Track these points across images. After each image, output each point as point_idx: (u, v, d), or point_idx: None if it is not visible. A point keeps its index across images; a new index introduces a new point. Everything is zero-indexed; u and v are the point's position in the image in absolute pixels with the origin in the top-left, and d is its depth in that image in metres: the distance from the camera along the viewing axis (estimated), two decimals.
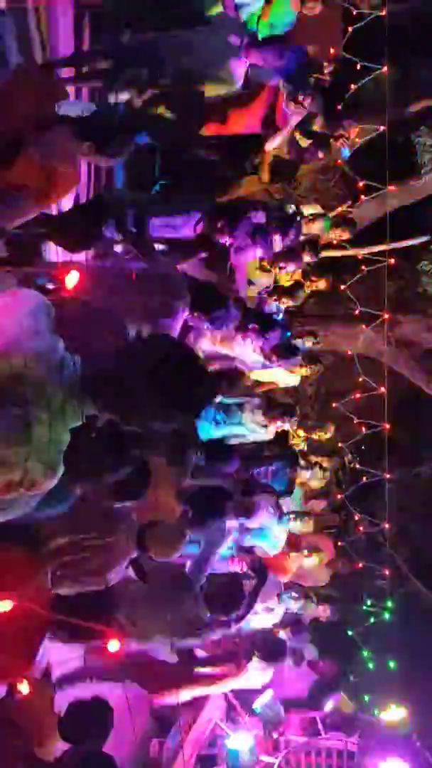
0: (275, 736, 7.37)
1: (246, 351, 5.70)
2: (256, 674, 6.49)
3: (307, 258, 6.54)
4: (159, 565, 3.93)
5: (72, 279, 3.07)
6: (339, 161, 7.73)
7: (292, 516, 6.44)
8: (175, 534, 3.92)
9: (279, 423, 6.33)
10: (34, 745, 3.21)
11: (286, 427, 6.50)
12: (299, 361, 6.27)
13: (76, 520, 3.22)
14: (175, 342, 2.96)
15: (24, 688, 3.12)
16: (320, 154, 6.45)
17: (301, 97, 5.59)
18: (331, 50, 6.84)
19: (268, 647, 5.86)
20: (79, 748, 3.14)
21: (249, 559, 5.82)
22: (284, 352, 5.69)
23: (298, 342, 6.61)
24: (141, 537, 3.75)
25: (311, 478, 7.30)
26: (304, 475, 7.20)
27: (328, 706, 7.57)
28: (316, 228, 6.86)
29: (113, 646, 2.85)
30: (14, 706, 3.25)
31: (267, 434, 6.42)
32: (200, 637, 4.36)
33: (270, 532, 5.49)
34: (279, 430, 6.44)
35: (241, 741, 6.74)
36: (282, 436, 6.77)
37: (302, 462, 7.13)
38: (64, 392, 2.19)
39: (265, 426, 6.33)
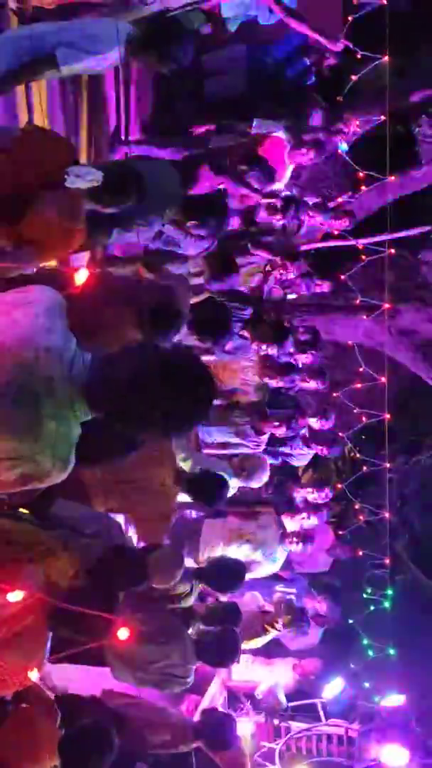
0: (276, 722, 7.43)
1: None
2: (258, 668, 6.54)
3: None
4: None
5: (81, 276, 3.11)
6: (339, 151, 7.72)
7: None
8: (174, 560, 3.92)
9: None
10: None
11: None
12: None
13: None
14: (183, 354, 2.92)
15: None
16: (311, 155, 6.47)
17: (304, 150, 5.78)
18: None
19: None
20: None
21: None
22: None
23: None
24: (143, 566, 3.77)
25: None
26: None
27: (328, 692, 7.61)
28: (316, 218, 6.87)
29: (123, 633, 2.74)
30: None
31: None
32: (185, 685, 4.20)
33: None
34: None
35: (242, 728, 6.81)
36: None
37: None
38: (74, 388, 2.19)
39: None
